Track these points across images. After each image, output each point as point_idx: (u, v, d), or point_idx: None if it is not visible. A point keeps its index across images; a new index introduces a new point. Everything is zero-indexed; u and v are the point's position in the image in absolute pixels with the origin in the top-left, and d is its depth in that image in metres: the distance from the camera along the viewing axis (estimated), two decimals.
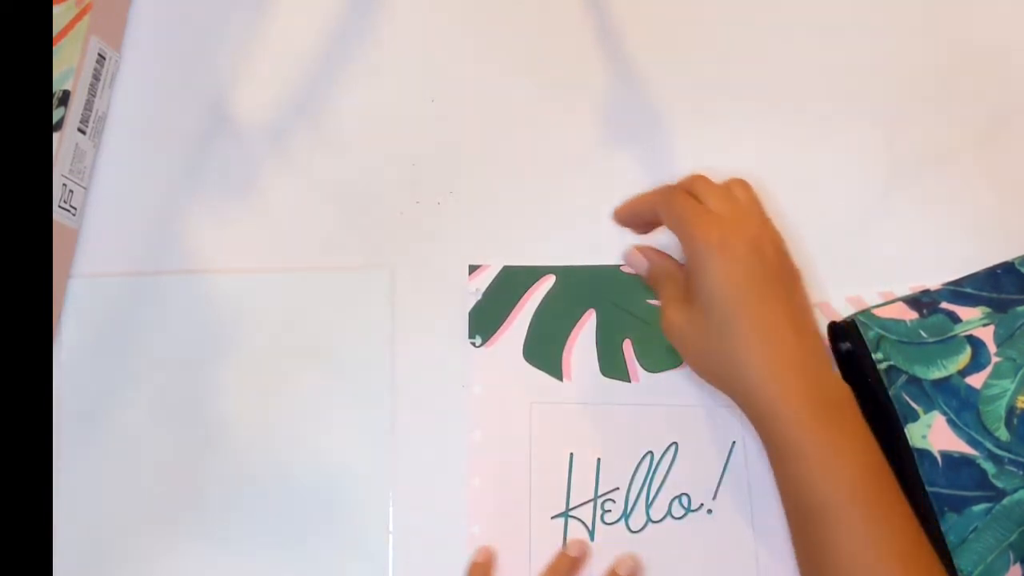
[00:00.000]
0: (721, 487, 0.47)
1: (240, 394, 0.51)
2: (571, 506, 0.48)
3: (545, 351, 0.50)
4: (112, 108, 0.56)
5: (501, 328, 0.51)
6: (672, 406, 0.49)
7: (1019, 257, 0.49)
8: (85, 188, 0.54)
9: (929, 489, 0.44)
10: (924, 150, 0.54)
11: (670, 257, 0.46)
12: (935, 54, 0.55)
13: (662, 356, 0.50)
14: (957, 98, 0.54)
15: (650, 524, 0.47)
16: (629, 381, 0.49)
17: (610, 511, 0.47)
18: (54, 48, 0.52)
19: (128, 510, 0.50)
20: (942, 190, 0.53)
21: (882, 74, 0.55)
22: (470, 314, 0.51)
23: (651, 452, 0.48)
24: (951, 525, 0.44)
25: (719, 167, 0.54)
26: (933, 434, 0.45)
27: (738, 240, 0.41)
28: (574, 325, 0.51)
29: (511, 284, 0.51)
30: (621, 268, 0.51)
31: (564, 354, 0.50)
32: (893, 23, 0.56)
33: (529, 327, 0.50)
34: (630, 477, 0.48)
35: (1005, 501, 0.44)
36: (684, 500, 0.47)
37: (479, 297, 0.51)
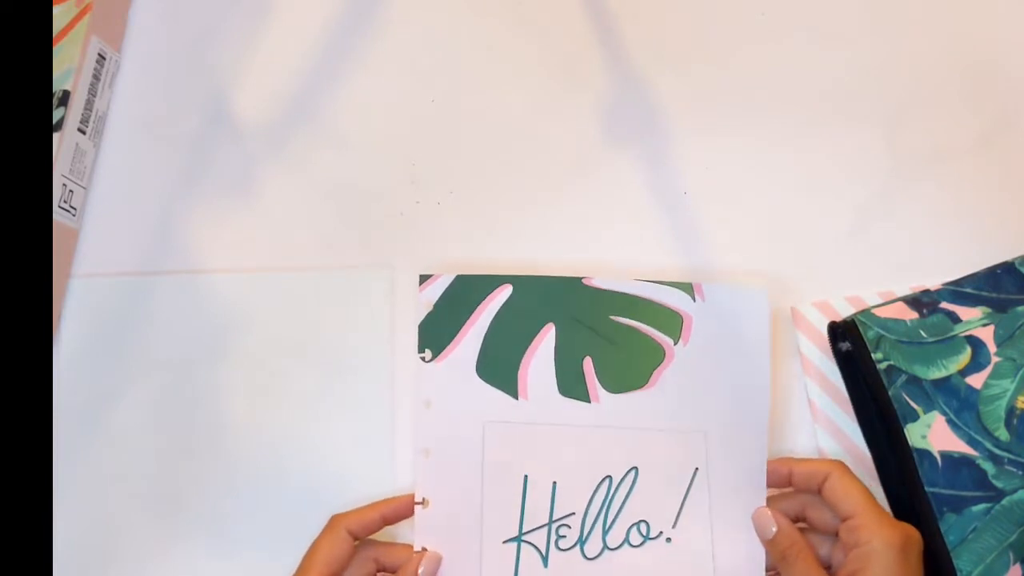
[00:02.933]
0: (682, 515, 0.45)
1: (240, 394, 0.51)
2: (524, 531, 0.46)
3: (500, 367, 0.47)
4: (112, 108, 0.56)
5: (453, 342, 0.48)
6: (633, 429, 0.46)
7: (1019, 257, 0.49)
8: (85, 188, 0.54)
9: (929, 489, 0.44)
10: (924, 150, 0.54)
11: (801, 533, 0.44)
12: (935, 55, 0.55)
13: (624, 376, 0.47)
14: (957, 98, 0.55)
15: (606, 551, 0.45)
16: (589, 402, 0.47)
17: (565, 537, 0.46)
18: (54, 48, 0.52)
19: (127, 510, 0.50)
20: (942, 190, 0.53)
21: (882, 74, 0.55)
22: (420, 327, 0.48)
23: (610, 477, 0.46)
24: (951, 525, 0.44)
25: (720, 167, 0.54)
26: (933, 434, 0.45)
27: (916, 548, 0.41)
28: (531, 340, 0.48)
29: (464, 295, 0.48)
30: (583, 281, 0.48)
31: (520, 371, 0.47)
32: (893, 24, 0.56)
33: (483, 341, 0.48)
34: (587, 502, 0.46)
35: (1005, 501, 0.44)
36: (643, 527, 0.45)
37: (430, 309, 0.48)
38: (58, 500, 0.50)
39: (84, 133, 0.53)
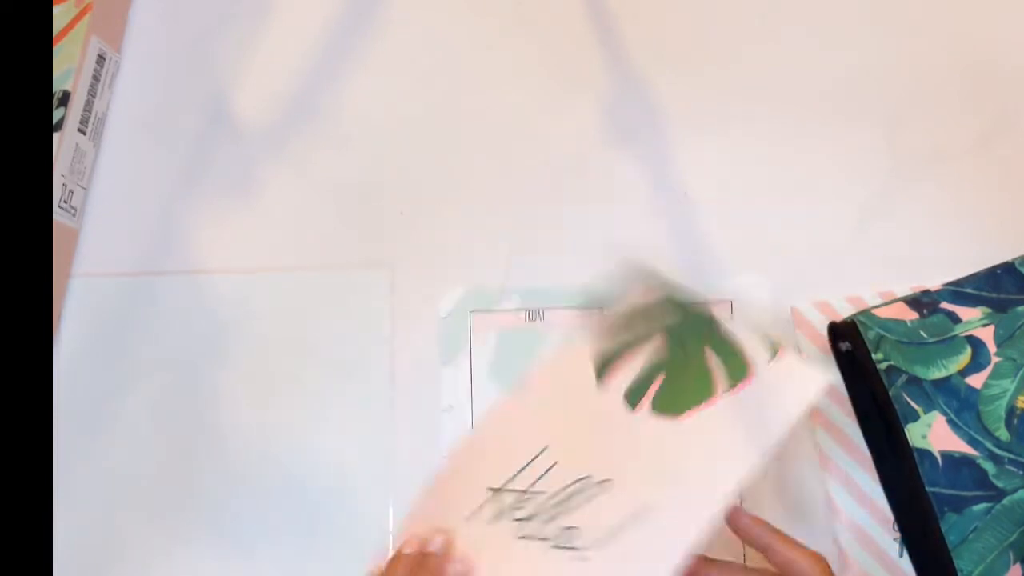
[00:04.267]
0: (613, 543, 0.44)
1: (240, 394, 0.51)
2: (503, 487, 0.47)
3: (611, 351, 0.49)
4: (112, 108, 0.56)
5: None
6: (638, 446, 0.47)
7: (1019, 257, 0.49)
8: (85, 188, 0.54)
9: (929, 489, 0.44)
10: (924, 150, 0.54)
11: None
12: (935, 54, 0.55)
13: (672, 399, 0.47)
14: (957, 98, 0.55)
15: (535, 539, 0.45)
16: (632, 410, 0.47)
17: (522, 508, 0.46)
18: (54, 48, 0.52)
19: (128, 510, 0.50)
20: (942, 190, 0.53)
21: (882, 74, 0.55)
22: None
23: (590, 476, 0.46)
24: (951, 525, 0.44)
25: (720, 167, 0.54)
26: (933, 434, 0.45)
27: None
28: (641, 344, 0.49)
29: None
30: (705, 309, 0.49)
31: (617, 361, 0.48)
32: (893, 24, 0.56)
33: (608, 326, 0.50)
34: (558, 490, 0.46)
35: (1005, 501, 0.44)
36: (574, 533, 0.45)
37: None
38: (58, 500, 0.50)
39: (84, 133, 0.53)
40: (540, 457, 0.48)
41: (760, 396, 0.46)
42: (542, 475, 0.47)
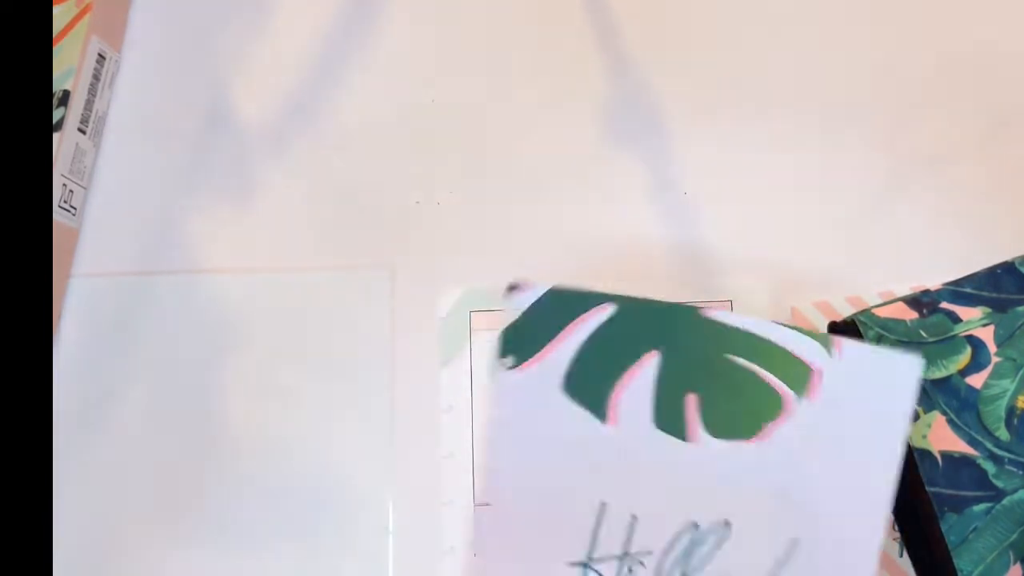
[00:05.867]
0: None
1: (240, 394, 0.51)
2: (593, 557, 0.42)
3: (590, 386, 0.43)
4: (112, 108, 0.56)
5: (541, 353, 0.43)
6: (732, 480, 0.42)
7: (1019, 257, 0.49)
8: (85, 188, 0.54)
9: (929, 489, 0.44)
10: (924, 150, 0.54)
11: None
12: (935, 54, 0.55)
13: (732, 422, 0.42)
14: (957, 98, 0.55)
15: None
16: (685, 440, 0.42)
17: (638, 575, 0.42)
18: (54, 48, 0.52)
19: (128, 510, 0.50)
20: (942, 190, 0.53)
21: (882, 74, 0.55)
22: (503, 332, 0.43)
23: (696, 524, 0.42)
24: (951, 525, 0.44)
25: (720, 167, 0.54)
26: (933, 434, 0.45)
27: None
28: (631, 365, 0.43)
29: (558, 308, 0.44)
30: (701, 312, 0.43)
31: (613, 394, 0.43)
32: (893, 23, 0.56)
33: (575, 357, 0.43)
34: (667, 544, 0.42)
35: (1005, 501, 0.44)
36: None
37: (517, 316, 0.44)
38: (58, 500, 0.50)
39: (84, 133, 0.53)
40: (607, 514, 0.43)
41: (847, 392, 0.42)
42: (630, 533, 0.42)
